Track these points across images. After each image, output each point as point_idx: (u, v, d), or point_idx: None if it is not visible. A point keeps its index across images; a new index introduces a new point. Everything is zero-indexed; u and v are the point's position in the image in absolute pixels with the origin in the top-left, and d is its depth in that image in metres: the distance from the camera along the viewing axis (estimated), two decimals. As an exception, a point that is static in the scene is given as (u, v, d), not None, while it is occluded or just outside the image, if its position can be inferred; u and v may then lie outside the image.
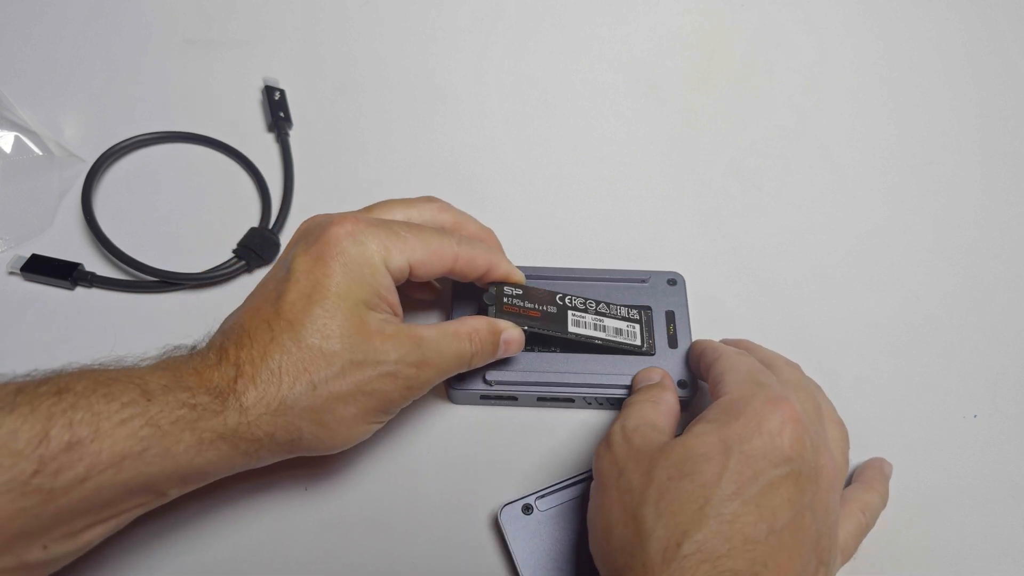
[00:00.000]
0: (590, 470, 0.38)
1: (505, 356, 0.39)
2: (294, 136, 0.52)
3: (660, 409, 0.36)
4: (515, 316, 0.39)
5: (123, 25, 0.57)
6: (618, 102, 0.55)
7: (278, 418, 0.30)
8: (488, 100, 0.55)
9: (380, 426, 0.35)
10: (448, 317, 0.43)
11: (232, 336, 0.32)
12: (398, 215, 0.37)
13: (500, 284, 0.39)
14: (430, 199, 0.39)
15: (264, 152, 0.51)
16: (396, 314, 0.35)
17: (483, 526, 0.38)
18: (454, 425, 0.41)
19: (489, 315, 0.38)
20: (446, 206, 0.39)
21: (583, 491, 0.38)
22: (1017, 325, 0.45)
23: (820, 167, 0.52)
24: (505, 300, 0.39)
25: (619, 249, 0.47)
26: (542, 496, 0.37)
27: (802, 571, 0.29)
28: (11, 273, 0.45)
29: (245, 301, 0.35)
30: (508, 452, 0.40)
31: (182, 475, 0.30)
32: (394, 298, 0.35)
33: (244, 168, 0.50)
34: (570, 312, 0.40)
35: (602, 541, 0.32)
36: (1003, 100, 0.55)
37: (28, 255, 0.45)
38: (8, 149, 0.48)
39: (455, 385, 0.40)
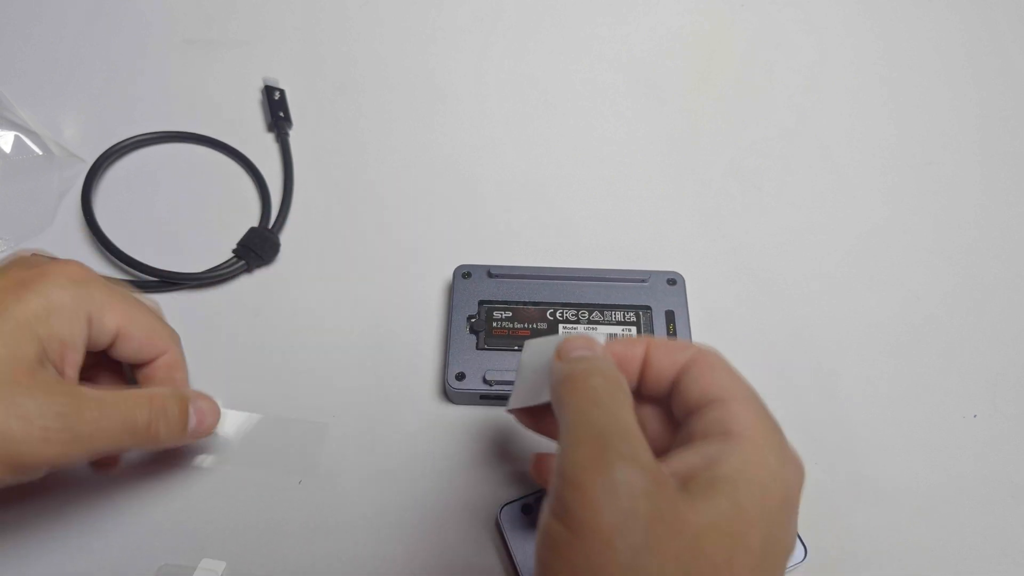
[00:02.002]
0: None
1: (202, 433, 0.36)
2: (294, 136, 0.52)
3: None
4: (505, 338, 0.41)
5: (123, 25, 0.57)
6: (618, 102, 0.55)
7: None
8: (488, 100, 0.55)
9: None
10: (448, 314, 0.43)
11: None
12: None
13: (490, 306, 0.42)
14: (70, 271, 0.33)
15: (264, 152, 0.51)
16: (65, 376, 0.32)
17: (483, 526, 0.38)
18: (454, 425, 0.41)
19: (478, 340, 0.41)
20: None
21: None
22: (1017, 325, 0.45)
23: (820, 167, 0.52)
24: (495, 324, 0.42)
25: (619, 249, 0.47)
26: (542, 496, 0.37)
27: None
28: (11, 273, 0.45)
29: None
30: (508, 452, 0.40)
31: None
32: (75, 357, 0.32)
33: (244, 168, 0.50)
34: (561, 326, 0.42)
35: None
36: (1003, 100, 0.55)
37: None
38: (8, 149, 0.48)
39: (455, 385, 0.40)
